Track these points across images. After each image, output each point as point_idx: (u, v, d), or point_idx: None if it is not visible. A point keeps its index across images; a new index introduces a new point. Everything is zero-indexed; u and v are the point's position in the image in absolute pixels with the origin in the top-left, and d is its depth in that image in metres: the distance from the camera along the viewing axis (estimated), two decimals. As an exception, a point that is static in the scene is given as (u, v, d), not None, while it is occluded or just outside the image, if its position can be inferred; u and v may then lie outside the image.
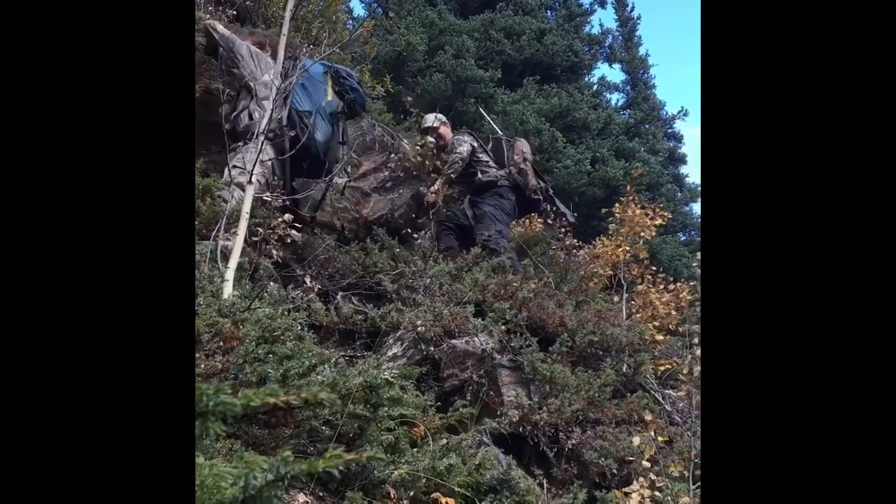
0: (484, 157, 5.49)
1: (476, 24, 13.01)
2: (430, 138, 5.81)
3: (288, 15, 3.13)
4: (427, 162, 5.42)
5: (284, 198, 4.55)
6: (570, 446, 2.70)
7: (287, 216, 4.23)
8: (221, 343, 1.57)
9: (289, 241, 4.01)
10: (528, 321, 3.31)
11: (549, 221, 5.90)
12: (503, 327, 3.20)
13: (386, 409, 1.63)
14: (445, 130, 5.80)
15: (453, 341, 3.08)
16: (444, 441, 2.19)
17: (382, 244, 4.25)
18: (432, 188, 5.32)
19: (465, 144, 5.44)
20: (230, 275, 2.27)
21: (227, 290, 2.16)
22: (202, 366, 1.38)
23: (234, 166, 3.65)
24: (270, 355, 1.47)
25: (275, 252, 3.82)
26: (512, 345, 3.11)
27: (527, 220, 7.37)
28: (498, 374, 2.99)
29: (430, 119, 5.84)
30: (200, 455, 0.78)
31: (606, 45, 15.39)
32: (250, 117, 4.12)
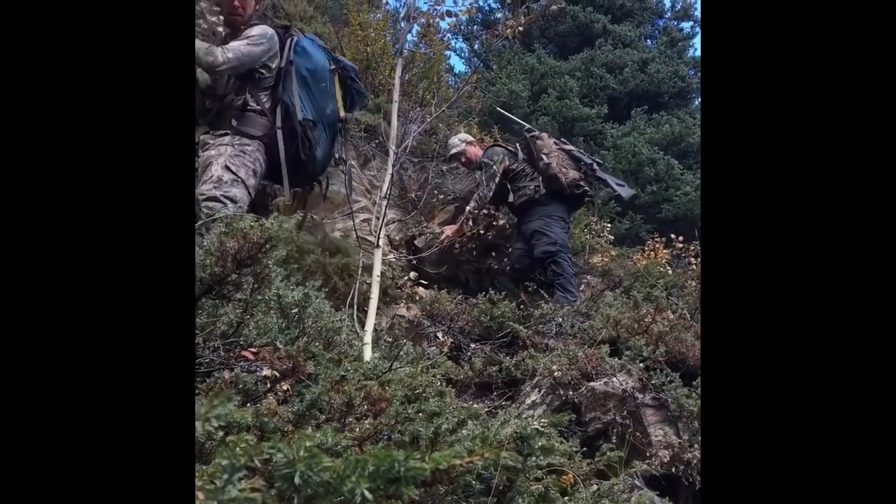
0: (523, 170, 4.92)
1: (577, 64, 13.06)
2: (460, 163, 5.35)
3: (397, 82, 3.26)
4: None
5: (409, 257, 4.68)
6: (729, 484, 2.58)
7: (412, 274, 4.34)
8: (368, 406, 1.62)
9: (416, 298, 4.11)
10: (666, 356, 3.21)
11: (676, 251, 5.58)
12: (641, 364, 3.13)
13: (534, 458, 1.63)
14: (474, 151, 5.21)
15: (592, 383, 3.04)
16: (595, 487, 2.14)
17: (508, 293, 4.27)
18: (447, 230, 4.91)
19: (492, 166, 4.89)
20: (368, 338, 2.36)
21: (367, 353, 2.24)
22: (357, 430, 1.43)
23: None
24: (419, 414, 1.51)
25: (405, 310, 3.92)
26: (653, 382, 3.02)
27: (651, 252, 7.19)
28: (642, 414, 2.91)
29: (455, 142, 5.28)
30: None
31: (713, 65, 15.00)
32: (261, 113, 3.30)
